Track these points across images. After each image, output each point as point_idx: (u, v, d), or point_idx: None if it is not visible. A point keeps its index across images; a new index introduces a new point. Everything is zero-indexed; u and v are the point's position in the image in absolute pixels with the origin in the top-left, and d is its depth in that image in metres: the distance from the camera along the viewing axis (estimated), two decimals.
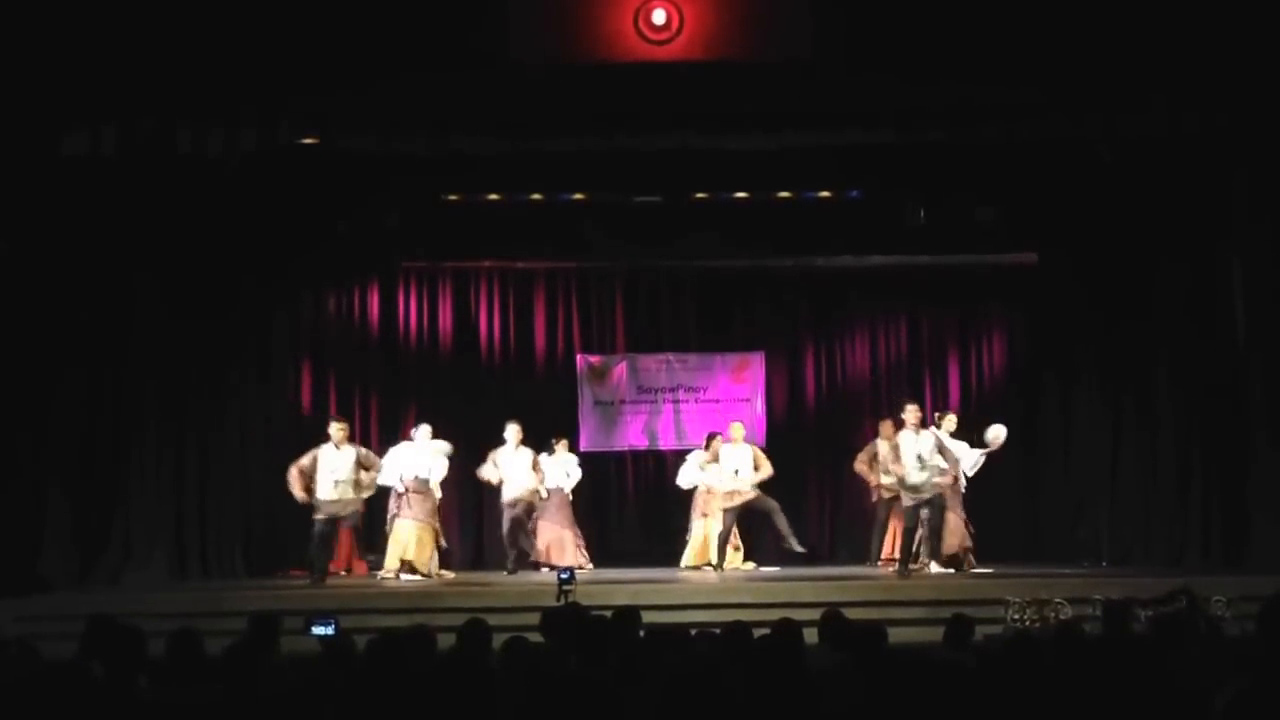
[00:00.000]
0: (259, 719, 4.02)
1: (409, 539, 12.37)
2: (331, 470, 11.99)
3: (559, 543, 13.37)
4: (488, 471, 13.07)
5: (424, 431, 12.73)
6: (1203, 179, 12.11)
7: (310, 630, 5.83)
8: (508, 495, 13.00)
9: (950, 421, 12.63)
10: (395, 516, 12.46)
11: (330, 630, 5.82)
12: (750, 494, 12.76)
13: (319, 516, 11.98)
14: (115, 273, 12.21)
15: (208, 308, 13.00)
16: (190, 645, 4.92)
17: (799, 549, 12.71)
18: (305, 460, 12.05)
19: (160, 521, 12.56)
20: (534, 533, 13.31)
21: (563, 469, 13.58)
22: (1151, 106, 10.92)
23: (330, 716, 4.03)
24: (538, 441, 13.42)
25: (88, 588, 11.59)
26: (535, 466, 13.09)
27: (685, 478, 13.56)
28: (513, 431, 13.05)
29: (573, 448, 14.01)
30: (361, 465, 12.14)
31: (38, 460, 11.50)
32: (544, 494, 13.27)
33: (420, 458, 12.56)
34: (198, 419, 13.02)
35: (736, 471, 12.81)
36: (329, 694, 4.14)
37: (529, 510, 13.10)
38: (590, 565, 13.22)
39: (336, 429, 12.22)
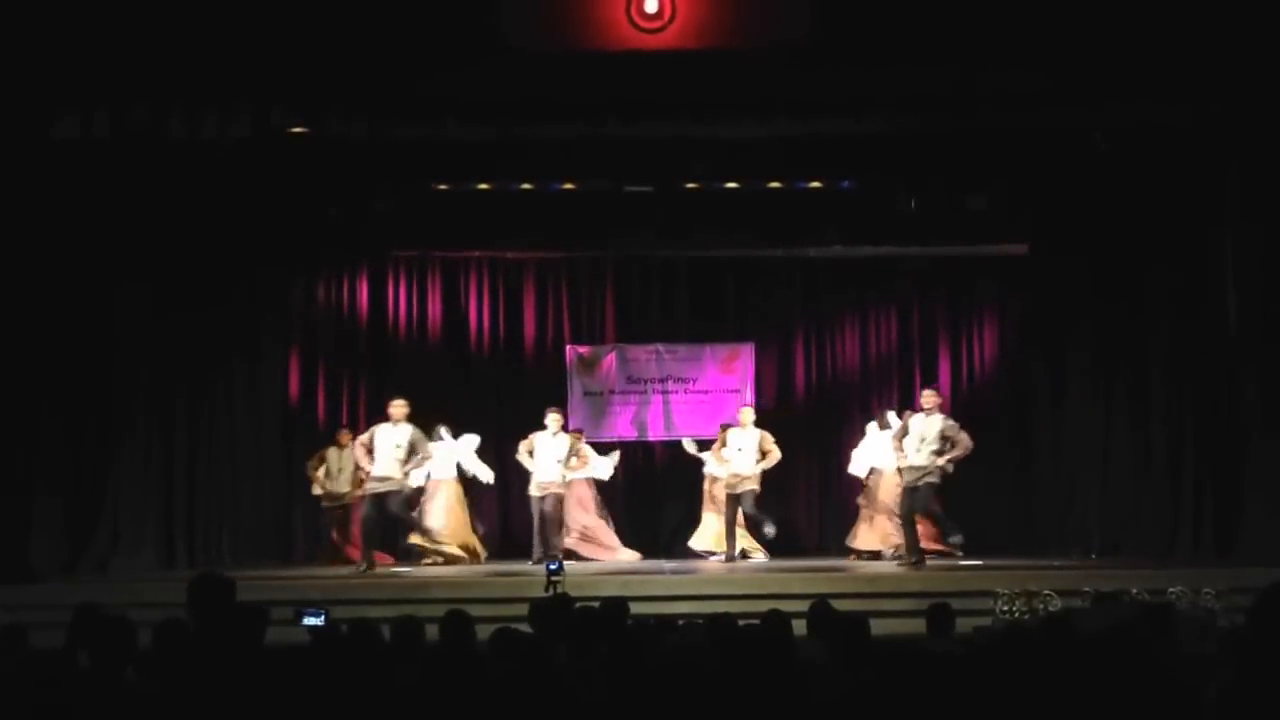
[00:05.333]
0: (244, 709, 4.00)
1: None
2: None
3: (590, 535, 13.30)
4: (522, 457, 12.84)
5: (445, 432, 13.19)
6: (1196, 170, 12.12)
7: (300, 621, 5.79)
8: (536, 485, 12.73)
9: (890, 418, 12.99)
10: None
11: (320, 621, 5.79)
12: (753, 480, 12.56)
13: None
14: (105, 259, 12.17)
15: (197, 295, 12.99)
16: (177, 636, 4.89)
17: (770, 531, 12.47)
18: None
19: (148, 511, 12.57)
20: (565, 526, 13.20)
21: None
22: (1146, 96, 10.91)
23: (318, 705, 4.01)
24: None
25: (76, 577, 11.57)
26: (572, 457, 12.83)
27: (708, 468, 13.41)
28: (553, 420, 12.81)
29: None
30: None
31: (26, 449, 11.46)
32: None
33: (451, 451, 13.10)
34: (186, 407, 13.04)
35: (740, 449, 12.62)
36: (317, 683, 4.12)
37: (558, 503, 12.66)
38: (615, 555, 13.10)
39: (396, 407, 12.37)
